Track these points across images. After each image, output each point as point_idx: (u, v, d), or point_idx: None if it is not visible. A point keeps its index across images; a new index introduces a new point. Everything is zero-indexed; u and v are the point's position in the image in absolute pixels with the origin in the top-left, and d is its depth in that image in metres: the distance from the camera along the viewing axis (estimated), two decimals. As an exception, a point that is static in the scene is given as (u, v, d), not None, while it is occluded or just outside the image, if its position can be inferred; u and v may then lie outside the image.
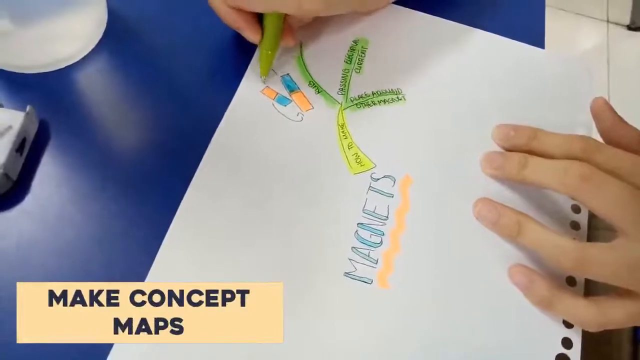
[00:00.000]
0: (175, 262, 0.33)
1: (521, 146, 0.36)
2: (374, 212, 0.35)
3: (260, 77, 0.38)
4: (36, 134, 0.35)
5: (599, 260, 0.31)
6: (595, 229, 0.37)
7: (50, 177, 0.34)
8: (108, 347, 0.30)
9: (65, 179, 0.35)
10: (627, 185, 0.31)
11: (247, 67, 0.39)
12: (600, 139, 0.36)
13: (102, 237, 0.33)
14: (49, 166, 0.35)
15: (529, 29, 0.44)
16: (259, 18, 0.37)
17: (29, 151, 0.34)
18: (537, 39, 0.43)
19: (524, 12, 0.45)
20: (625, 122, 0.36)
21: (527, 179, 0.34)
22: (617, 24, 1.65)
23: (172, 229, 0.33)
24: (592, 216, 0.36)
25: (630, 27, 1.64)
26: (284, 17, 0.37)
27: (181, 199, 0.34)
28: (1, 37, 0.35)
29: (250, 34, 0.37)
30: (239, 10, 0.36)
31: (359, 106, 0.39)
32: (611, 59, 1.55)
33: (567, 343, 0.33)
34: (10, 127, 0.33)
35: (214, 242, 0.34)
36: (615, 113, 0.36)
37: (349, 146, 0.37)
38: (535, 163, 0.34)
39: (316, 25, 0.41)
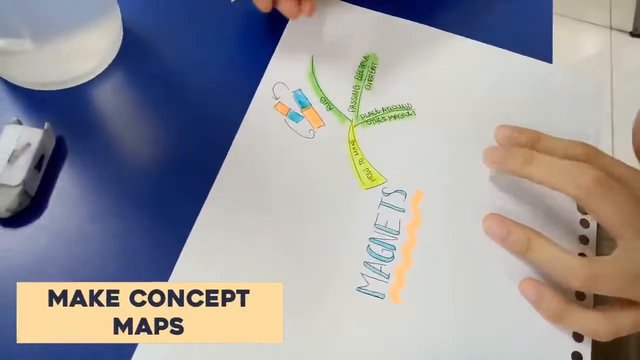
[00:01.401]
0: (192, 279, 0.34)
1: (524, 147, 0.37)
2: (385, 226, 0.36)
3: None
4: (53, 150, 0.36)
5: (605, 276, 0.32)
6: (608, 240, 0.38)
7: (67, 193, 0.35)
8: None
9: (82, 195, 0.36)
10: (633, 194, 0.33)
11: (259, 82, 0.40)
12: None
13: (118, 253, 0.34)
14: (66, 182, 0.36)
15: (537, 43, 0.45)
16: None
17: (47, 167, 0.36)
18: (545, 53, 0.44)
19: (532, 27, 0.47)
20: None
21: (533, 176, 0.34)
22: (620, 30, 1.66)
23: (188, 245, 0.34)
24: (599, 227, 0.37)
25: (633, 34, 1.66)
26: None
27: (197, 215, 0.35)
28: (21, 56, 0.36)
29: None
30: None
31: (369, 122, 0.40)
32: (614, 65, 1.57)
33: (577, 357, 0.34)
34: (28, 145, 0.34)
35: (229, 257, 0.34)
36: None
37: (360, 162, 0.38)
38: (544, 160, 0.34)
39: (327, 41, 0.42)
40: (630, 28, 1.66)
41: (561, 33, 1.59)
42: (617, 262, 0.32)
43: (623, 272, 0.32)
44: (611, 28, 1.67)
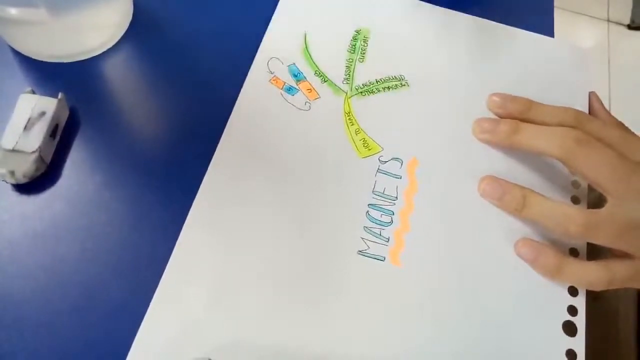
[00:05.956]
0: (197, 244, 0.37)
1: (516, 115, 0.41)
2: (383, 193, 0.40)
3: None
4: (67, 120, 0.39)
5: (602, 223, 0.35)
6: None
7: (81, 161, 0.39)
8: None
9: (96, 163, 0.39)
10: (616, 152, 0.36)
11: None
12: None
13: (129, 218, 0.37)
14: (80, 151, 0.39)
15: (538, 21, 0.49)
16: None
17: (61, 137, 0.39)
18: (546, 30, 0.49)
19: (532, 5, 0.51)
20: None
21: (520, 144, 0.39)
22: (617, 23, 1.73)
23: (192, 213, 0.37)
24: (590, 190, 0.41)
25: (630, 26, 1.72)
26: None
27: (201, 182, 0.38)
28: (36, 27, 0.39)
29: None
30: None
31: (363, 94, 0.43)
32: (612, 58, 1.63)
33: (572, 310, 0.37)
34: (43, 113, 0.37)
35: (231, 223, 0.38)
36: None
37: (356, 132, 0.42)
38: (529, 128, 0.39)
39: (319, 15, 0.46)
40: (627, 21, 1.73)
41: (559, 25, 1.65)
42: (610, 214, 0.36)
43: (616, 222, 0.35)
44: (609, 21, 1.73)
